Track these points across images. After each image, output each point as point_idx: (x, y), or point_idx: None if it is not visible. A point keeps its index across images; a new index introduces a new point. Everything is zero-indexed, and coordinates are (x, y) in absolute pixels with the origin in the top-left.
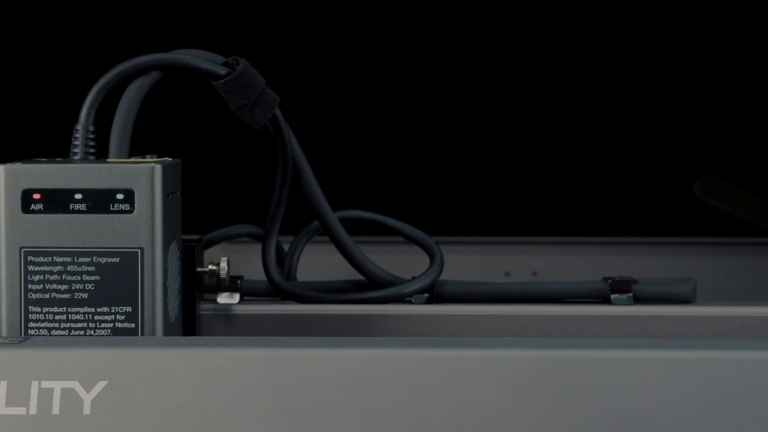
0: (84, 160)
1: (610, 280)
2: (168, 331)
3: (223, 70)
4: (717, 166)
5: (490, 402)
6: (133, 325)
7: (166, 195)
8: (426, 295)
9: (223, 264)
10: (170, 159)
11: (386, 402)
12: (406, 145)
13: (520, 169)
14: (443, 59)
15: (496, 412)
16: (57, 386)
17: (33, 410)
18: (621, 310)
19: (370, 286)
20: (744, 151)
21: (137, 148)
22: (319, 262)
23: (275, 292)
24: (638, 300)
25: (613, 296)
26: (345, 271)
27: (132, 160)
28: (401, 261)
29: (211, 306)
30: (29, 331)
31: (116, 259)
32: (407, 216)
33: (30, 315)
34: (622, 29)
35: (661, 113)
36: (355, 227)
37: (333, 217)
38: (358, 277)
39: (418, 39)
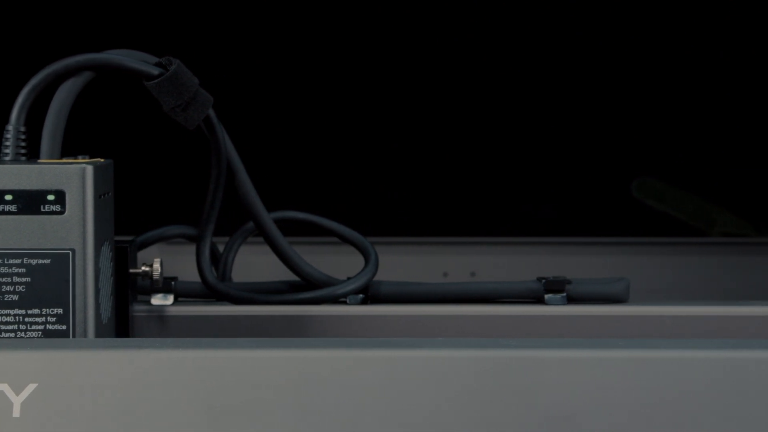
0: (15, 160)
1: (544, 280)
2: (100, 332)
3: (155, 71)
4: (655, 166)
5: (424, 402)
6: (64, 327)
7: (98, 196)
8: (361, 295)
9: (156, 265)
10: (102, 160)
11: (319, 403)
12: (343, 145)
13: (458, 169)
14: (379, 56)
15: (430, 412)
16: None
17: None
18: (554, 309)
19: (305, 286)
20: (681, 152)
21: (69, 148)
22: (254, 263)
23: (209, 293)
24: (572, 300)
25: (546, 296)
26: (280, 272)
27: (63, 160)
28: (336, 262)
29: (144, 307)
30: None
31: (47, 261)
32: (344, 217)
33: None
34: (562, 31)
35: (600, 114)
36: (290, 228)
37: (267, 218)
38: (294, 278)
39: (355, 37)
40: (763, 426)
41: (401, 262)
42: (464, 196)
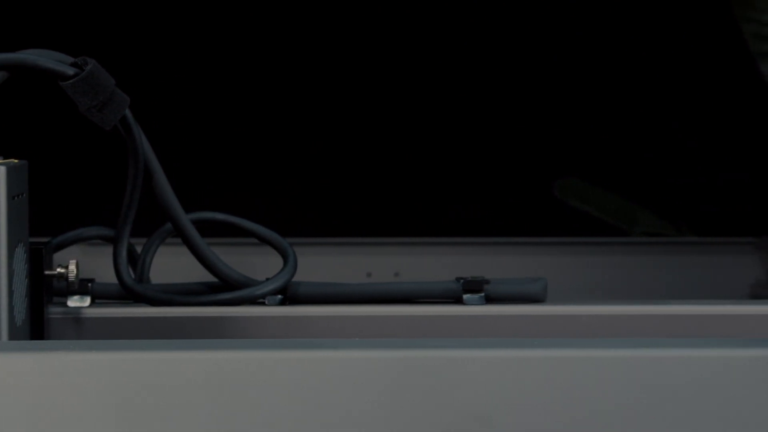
0: None
1: (462, 281)
2: (14, 335)
3: (71, 71)
4: (577, 167)
5: (342, 403)
6: None
7: (12, 197)
8: (279, 296)
9: (72, 267)
10: (16, 161)
11: (237, 405)
12: (263, 145)
13: (382, 170)
14: (301, 58)
15: (348, 413)
16: None
17: None
18: (473, 309)
19: (224, 287)
20: (603, 153)
21: None
22: (172, 264)
23: (127, 294)
24: (490, 299)
25: (465, 296)
26: (199, 273)
27: None
28: (256, 263)
29: (60, 309)
30: None
31: None
32: (269, 218)
33: None
34: (484, 33)
35: (522, 115)
36: (209, 229)
37: (185, 219)
38: (212, 279)
39: (278, 36)
40: (676, 422)
41: (325, 262)
42: (388, 197)
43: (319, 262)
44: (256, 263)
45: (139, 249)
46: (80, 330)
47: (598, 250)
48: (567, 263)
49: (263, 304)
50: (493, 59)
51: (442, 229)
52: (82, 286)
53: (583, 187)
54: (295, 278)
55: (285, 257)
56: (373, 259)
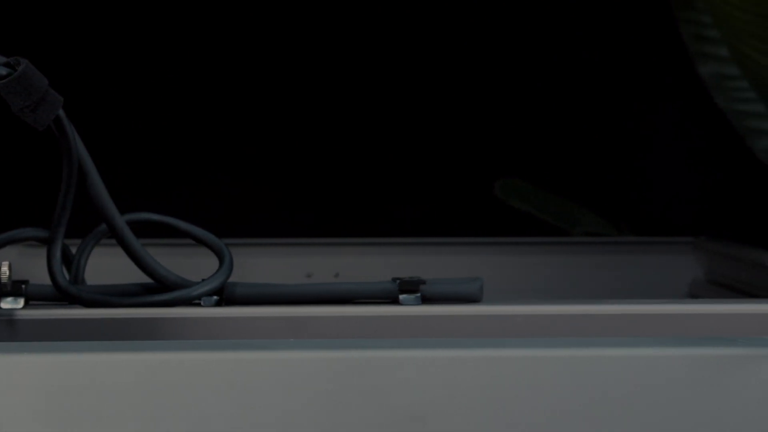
0: None
1: (398, 281)
2: None
3: (3, 71)
4: (518, 167)
5: (276, 403)
6: None
7: None
8: (215, 297)
9: (5, 268)
10: None
11: (171, 405)
12: (201, 146)
13: (322, 170)
14: (242, 58)
15: (282, 413)
16: None
17: None
18: (409, 310)
19: (159, 289)
20: (545, 153)
21: None
22: (108, 266)
23: (61, 296)
24: (426, 300)
25: (401, 296)
26: (134, 275)
27: None
28: (193, 264)
29: None
30: None
31: None
32: (213, 219)
33: None
34: (425, 33)
35: (464, 115)
36: (145, 230)
37: (120, 220)
38: (148, 280)
39: (200, 36)
40: (610, 420)
41: (265, 263)
42: (328, 197)
43: (259, 263)
44: (193, 264)
45: (73, 250)
46: (13, 332)
47: (538, 250)
48: (508, 263)
49: (199, 305)
50: (435, 60)
51: (384, 229)
52: (16, 288)
53: (524, 187)
54: (236, 280)
55: (221, 258)
56: (313, 259)
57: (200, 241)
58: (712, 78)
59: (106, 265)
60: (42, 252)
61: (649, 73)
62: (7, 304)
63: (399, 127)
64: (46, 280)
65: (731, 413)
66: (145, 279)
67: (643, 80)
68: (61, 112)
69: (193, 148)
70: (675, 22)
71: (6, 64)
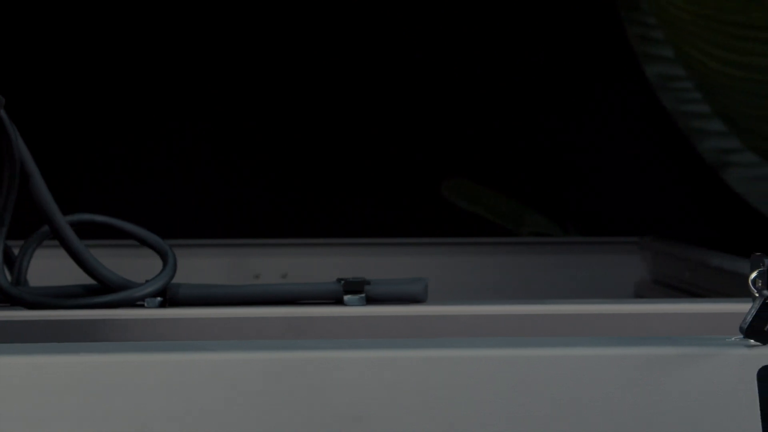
0: None
1: (343, 281)
2: None
3: None
4: (465, 167)
5: (218, 405)
6: None
7: None
8: (159, 298)
9: None
10: None
11: (110, 407)
12: (146, 145)
13: (271, 171)
14: (188, 59)
15: (226, 414)
16: None
17: None
18: (353, 310)
19: (102, 290)
20: (492, 154)
21: None
22: (51, 267)
23: (3, 297)
24: (371, 300)
25: (345, 297)
26: (78, 276)
27: None
28: (138, 265)
29: None
30: None
31: None
32: (156, 220)
33: None
34: (372, 35)
35: (411, 117)
36: (88, 231)
37: (63, 222)
38: (92, 281)
39: (134, 40)
40: (557, 419)
41: (213, 264)
42: (277, 198)
43: (207, 264)
44: (137, 266)
45: (16, 251)
46: None
47: (485, 250)
48: (455, 263)
49: (142, 306)
50: (382, 60)
51: (332, 230)
52: None
53: (471, 188)
54: (185, 281)
55: (164, 259)
56: (261, 260)
57: (144, 242)
58: (657, 79)
59: (49, 267)
60: None
61: (596, 74)
62: None
63: (346, 129)
64: None
65: (675, 412)
66: (87, 280)
67: (590, 81)
68: (3, 113)
69: (136, 149)
70: (621, 24)
71: None
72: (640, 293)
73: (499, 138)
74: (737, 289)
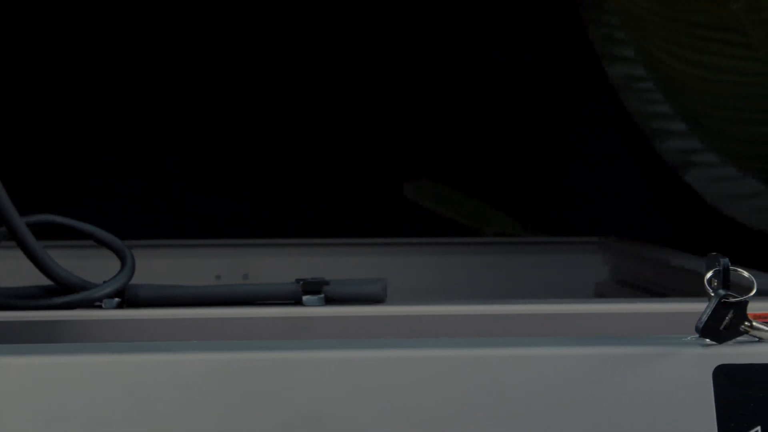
0: None
1: (301, 282)
2: None
3: None
4: (428, 167)
5: (178, 406)
6: None
7: None
8: (117, 299)
9: None
10: None
11: (67, 409)
12: (104, 144)
13: (232, 170)
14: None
15: (184, 416)
16: None
17: None
18: (312, 311)
19: (60, 291)
20: (455, 154)
21: None
22: (8, 268)
23: None
24: (330, 301)
25: (304, 297)
26: (35, 277)
27: None
28: (95, 266)
29: None
30: None
31: None
32: (115, 221)
33: None
34: (333, 32)
35: (374, 116)
36: (45, 231)
37: (19, 221)
38: (49, 282)
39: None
40: (515, 420)
41: (173, 265)
42: (239, 198)
43: (167, 265)
44: (95, 266)
45: None
46: None
47: (446, 250)
48: (417, 264)
49: (100, 307)
50: (344, 57)
51: (294, 230)
52: None
53: (433, 188)
54: (144, 282)
55: (122, 260)
56: (222, 261)
57: (102, 243)
58: (620, 79)
59: (6, 268)
60: None
61: (558, 73)
62: None
63: (307, 129)
64: None
65: (632, 411)
66: (45, 281)
67: (552, 81)
68: None
69: (94, 149)
70: (583, 23)
71: None
72: (602, 293)
73: (461, 138)
74: (698, 289)
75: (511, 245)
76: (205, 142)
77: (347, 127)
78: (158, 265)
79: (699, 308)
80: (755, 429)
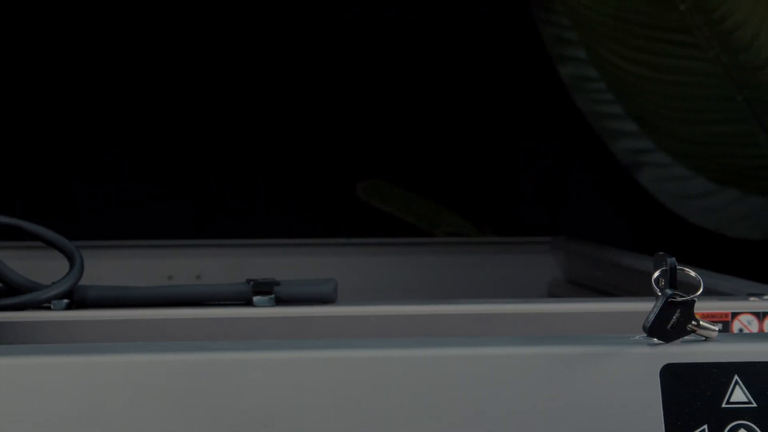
0: None
1: (252, 282)
2: None
3: None
4: (380, 168)
5: (126, 407)
6: None
7: None
8: (66, 300)
9: None
10: None
11: (16, 410)
12: (53, 145)
13: (185, 171)
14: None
15: (132, 416)
16: None
17: None
18: (262, 311)
19: (8, 292)
20: (407, 154)
21: None
22: None
23: None
24: (281, 301)
25: (255, 298)
26: None
27: None
28: (44, 267)
29: None
30: None
31: None
32: (64, 221)
33: None
34: (289, 32)
35: (326, 117)
36: None
37: None
38: None
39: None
40: (466, 419)
41: (126, 265)
42: (191, 199)
43: (119, 266)
44: (44, 268)
45: None
46: None
47: (398, 251)
48: (369, 264)
49: (49, 308)
50: (296, 60)
51: (246, 231)
52: None
53: (386, 188)
54: (96, 283)
55: (71, 261)
56: (175, 262)
57: (50, 244)
58: (571, 79)
59: None
60: None
61: (511, 74)
62: None
63: (260, 129)
64: None
65: (581, 411)
66: None
67: (505, 81)
68: None
69: (43, 149)
70: (535, 24)
71: None
72: (554, 293)
73: (414, 138)
74: (649, 289)
75: (464, 245)
76: (156, 144)
77: (301, 128)
78: (111, 266)
79: (648, 308)
80: (702, 428)
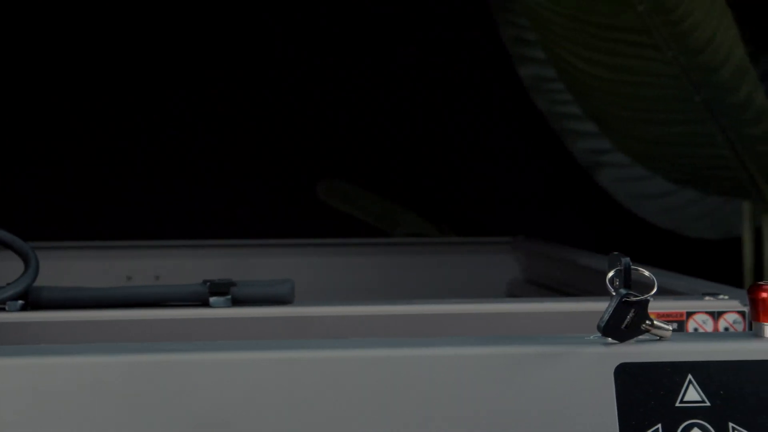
0: None
1: (209, 283)
2: None
3: None
4: (341, 169)
5: (81, 408)
6: None
7: None
8: (20, 301)
9: None
10: None
11: None
12: (10, 146)
13: (143, 172)
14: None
15: (87, 417)
16: None
17: None
18: (218, 312)
19: None
20: (367, 155)
21: None
22: None
23: None
24: (237, 302)
25: (211, 299)
26: None
27: None
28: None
29: None
30: None
31: None
32: (20, 221)
33: None
34: (249, 33)
35: (286, 117)
36: None
37: None
38: None
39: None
40: (424, 419)
41: (84, 267)
42: (148, 199)
43: (78, 267)
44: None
45: None
46: None
47: (358, 251)
48: (328, 264)
49: (3, 309)
50: (253, 62)
51: (206, 231)
52: None
53: (346, 189)
54: (54, 284)
55: (26, 262)
56: (133, 262)
57: (4, 245)
58: (531, 80)
59: None
60: None
61: (470, 74)
62: None
63: (221, 131)
64: None
65: (536, 409)
66: None
67: (465, 82)
68: None
69: (6, 150)
70: (495, 25)
71: None
72: (513, 292)
73: (374, 139)
74: (605, 288)
75: (422, 245)
76: (114, 144)
77: (260, 128)
78: (68, 267)
79: (604, 308)
80: (655, 426)
